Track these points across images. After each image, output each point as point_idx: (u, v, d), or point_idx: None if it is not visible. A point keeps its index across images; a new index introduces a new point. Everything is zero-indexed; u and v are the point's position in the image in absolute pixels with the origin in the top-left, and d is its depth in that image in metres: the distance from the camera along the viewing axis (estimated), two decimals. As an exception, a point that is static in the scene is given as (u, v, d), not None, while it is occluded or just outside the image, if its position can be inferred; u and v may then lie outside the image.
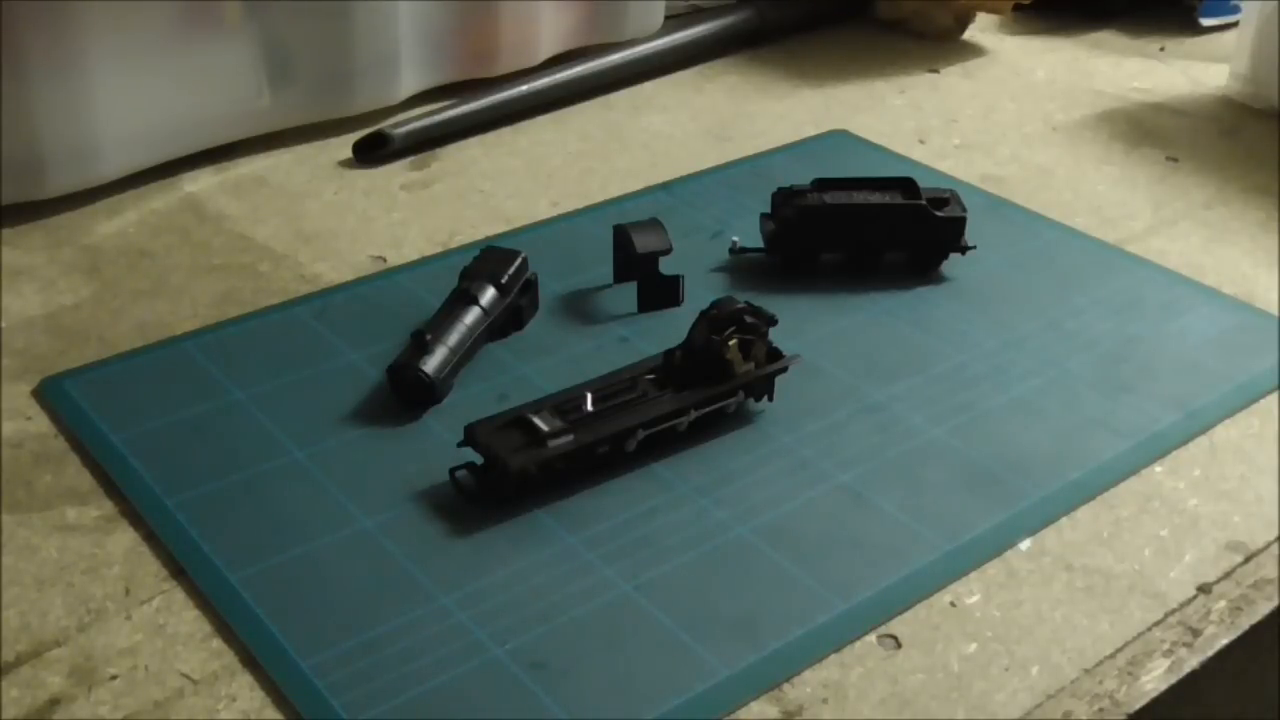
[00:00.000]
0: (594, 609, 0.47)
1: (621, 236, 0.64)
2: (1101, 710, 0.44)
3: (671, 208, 0.73)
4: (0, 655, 0.45)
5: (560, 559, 0.49)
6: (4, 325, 0.62)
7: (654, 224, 0.64)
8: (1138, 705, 0.44)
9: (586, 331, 0.62)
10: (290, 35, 0.76)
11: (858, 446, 0.55)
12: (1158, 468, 0.55)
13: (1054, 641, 0.47)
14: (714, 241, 0.70)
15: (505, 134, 0.82)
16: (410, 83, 0.82)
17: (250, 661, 0.45)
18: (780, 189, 0.67)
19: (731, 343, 0.55)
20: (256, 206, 0.73)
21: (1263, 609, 0.48)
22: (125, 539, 0.50)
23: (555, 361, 0.60)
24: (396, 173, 0.77)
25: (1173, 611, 0.48)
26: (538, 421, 0.52)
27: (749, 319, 0.55)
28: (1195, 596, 0.49)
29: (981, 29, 0.99)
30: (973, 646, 0.46)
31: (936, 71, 0.93)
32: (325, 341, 0.61)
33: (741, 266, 0.68)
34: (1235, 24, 0.92)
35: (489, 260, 0.61)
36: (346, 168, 0.78)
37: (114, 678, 0.44)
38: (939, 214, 0.66)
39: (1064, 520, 0.52)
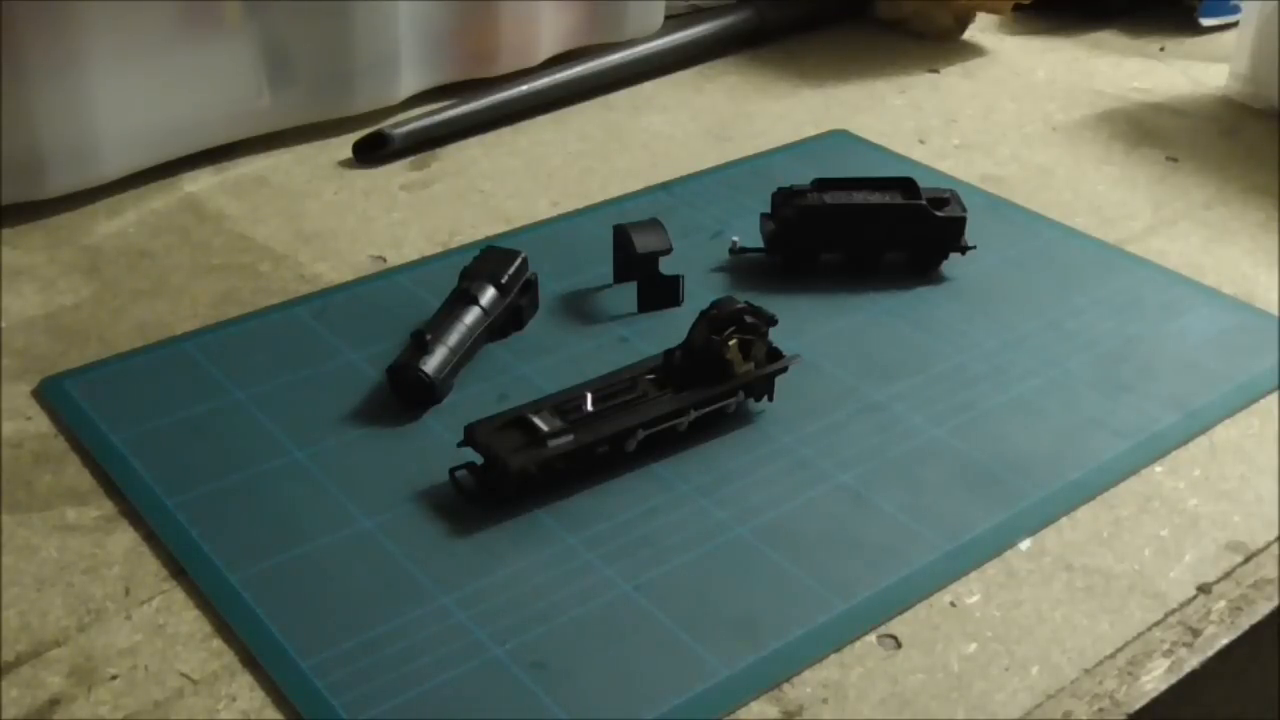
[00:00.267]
0: (594, 609, 0.47)
1: (621, 236, 0.64)
2: (1101, 710, 0.44)
3: (671, 208, 0.73)
4: (0, 655, 0.45)
5: (560, 559, 0.49)
6: (4, 325, 0.62)
7: (654, 224, 0.64)
8: (1138, 705, 0.44)
9: (586, 331, 0.62)
10: (290, 35, 0.76)
11: (858, 446, 0.55)
12: (1158, 468, 0.55)
13: (1054, 641, 0.47)
14: (714, 241, 0.70)
15: (505, 134, 0.82)
16: (410, 83, 0.82)
17: (250, 661, 0.45)
18: (780, 189, 0.67)
19: (731, 343, 0.55)
20: (256, 206, 0.73)
21: (1263, 609, 0.48)
22: (125, 539, 0.50)
23: (555, 361, 0.60)
24: (396, 173, 0.77)
25: (1173, 611, 0.48)
26: (538, 421, 0.52)
27: (749, 319, 0.55)
28: (1195, 596, 0.49)
29: (981, 29, 0.99)
30: (973, 646, 0.46)
31: (936, 71, 0.93)
32: (325, 341, 0.61)
33: (741, 266, 0.68)
34: (1235, 24, 0.92)
35: (489, 260, 0.61)
36: (346, 168, 0.78)
37: (114, 678, 0.44)
38: (939, 214, 0.66)
39: (1064, 520, 0.52)
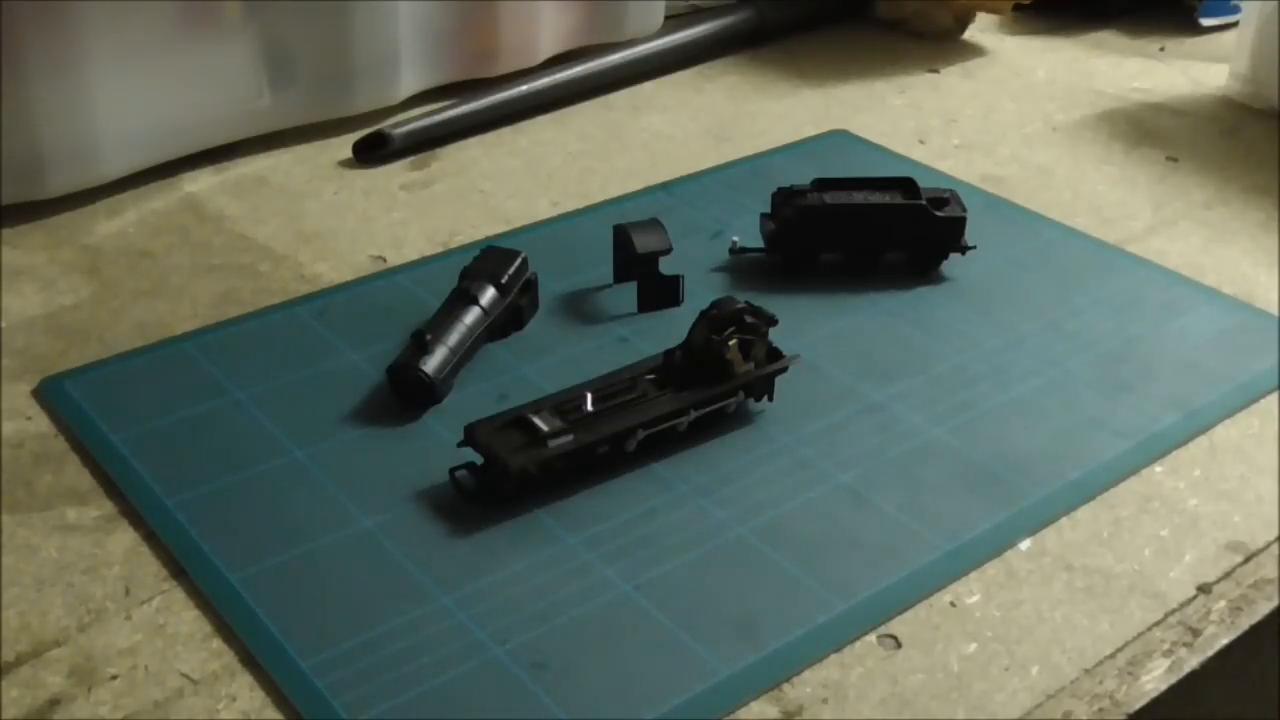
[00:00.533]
0: (594, 609, 0.47)
1: (621, 236, 0.64)
2: (1101, 710, 0.44)
3: (671, 208, 0.73)
4: (0, 655, 0.45)
5: (560, 559, 0.49)
6: (4, 325, 0.62)
7: (654, 224, 0.64)
8: (1138, 705, 0.44)
9: (586, 331, 0.62)
10: (290, 35, 0.76)
11: (858, 446, 0.55)
12: (1158, 468, 0.55)
13: (1054, 641, 0.47)
14: (714, 241, 0.70)
15: (505, 134, 0.82)
16: (410, 83, 0.82)
17: (250, 661, 0.45)
18: (780, 189, 0.67)
19: (731, 343, 0.55)
20: (256, 206, 0.73)
21: (1263, 609, 0.48)
22: (125, 539, 0.50)
23: (555, 361, 0.60)
24: (396, 173, 0.77)
25: (1173, 611, 0.48)
26: (538, 421, 0.52)
27: (749, 319, 0.55)
28: (1195, 596, 0.49)
29: (981, 29, 0.99)
30: (973, 646, 0.46)
31: (936, 71, 0.93)
32: (325, 341, 0.61)
33: (741, 266, 0.68)
34: (1235, 24, 0.92)
35: (489, 260, 0.61)
36: (346, 168, 0.78)
37: (114, 678, 0.44)
38: (939, 214, 0.66)
39: (1064, 520, 0.52)
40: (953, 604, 0.48)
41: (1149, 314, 0.65)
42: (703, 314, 0.56)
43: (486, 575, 0.48)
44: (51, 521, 0.51)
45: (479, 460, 0.52)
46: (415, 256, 0.68)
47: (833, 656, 0.46)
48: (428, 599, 0.47)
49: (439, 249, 0.69)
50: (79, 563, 0.49)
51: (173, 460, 0.53)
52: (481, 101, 0.82)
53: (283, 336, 0.61)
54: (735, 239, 0.68)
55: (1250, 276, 0.68)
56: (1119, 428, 0.57)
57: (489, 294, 0.60)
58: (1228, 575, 0.50)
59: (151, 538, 0.50)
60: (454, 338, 0.58)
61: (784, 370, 0.57)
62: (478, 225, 0.72)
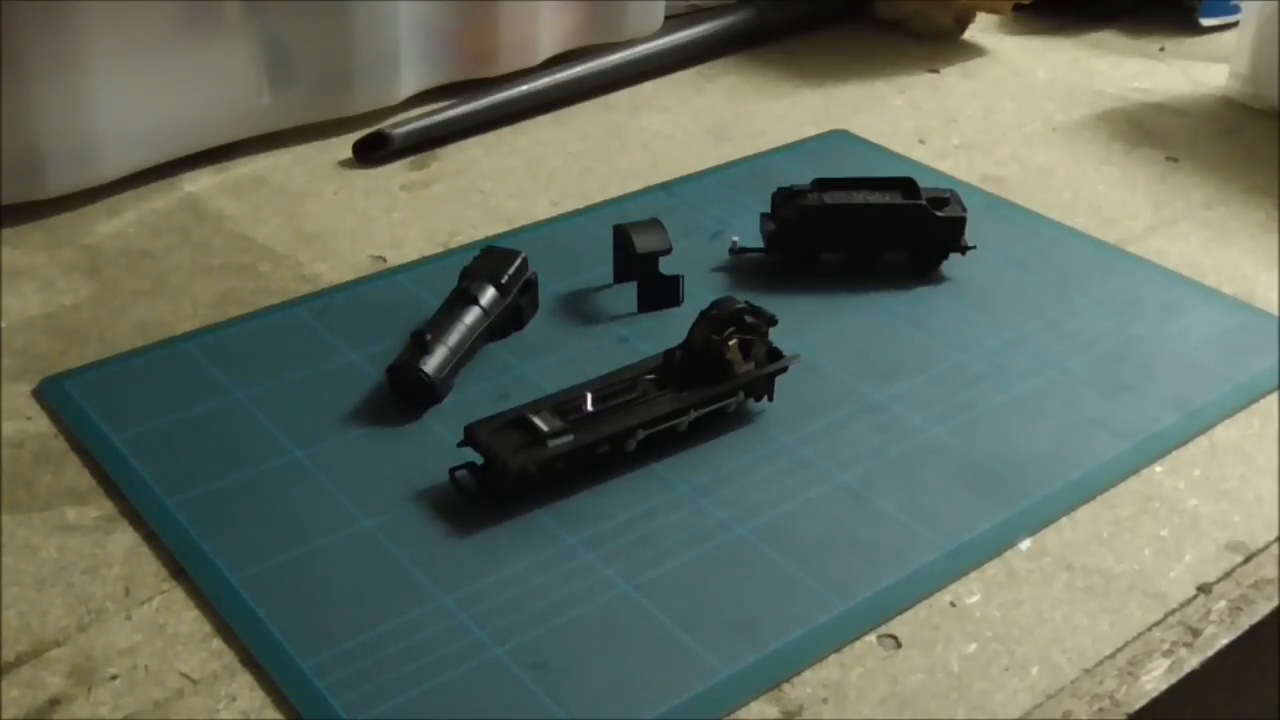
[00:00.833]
0: (594, 609, 0.47)
1: (621, 236, 0.64)
2: (1101, 710, 0.44)
3: (671, 208, 0.73)
4: (0, 655, 0.45)
5: (560, 559, 0.49)
6: (4, 325, 0.62)
7: (654, 224, 0.64)
8: (1138, 705, 0.44)
9: (586, 331, 0.62)
10: (290, 35, 0.76)
11: (858, 446, 0.55)
12: (1158, 468, 0.55)
13: (1054, 641, 0.47)
14: (714, 241, 0.70)
15: (505, 134, 0.82)
16: (410, 83, 0.82)
17: (250, 661, 0.45)
18: (780, 189, 0.67)
19: (731, 343, 0.55)
20: (256, 206, 0.73)
21: (1263, 609, 0.48)
22: (125, 539, 0.50)
23: (555, 361, 0.60)
24: (396, 173, 0.77)
25: (1173, 611, 0.48)
26: (538, 421, 0.52)
27: (749, 319, 0.55)
28: (1195, 596, 0.49)
29: (981, 29, 0.99)
30: (973, 646, 0.46)
31: (936, 71, 0.93)
32: (325, 341, 0.61)
33: (741, 266, 0.68)
34: (1235, 24, 0.92)
35: (489, 260, 0.61)
36: (346, 168, 0.78)
37: (114, 678, 0.44)
38: (939, 214, 0.66)
39: (1064, 520, 0.52)
40: (953, 604, 0.48)
41: (1149, 314, 0.65)
42: (703, 314, 0.56)
43: (486, 575, 0.48)
44: (51, 521, 0.51)
45: (479, 460, 0.52)
46: (415, 256, 0.68)
47: (833, 656, 0.46)
48: (428, 599, 0.47)
49: (439, 249, 0.69)
50: (79, 563, 0.49)
51: (173, 460, 0.53)
52: (481, 101, 0.82)
53: (283, 336, 0.61)
54: (735, 239, 0.68)
55: (1250, 276, 0.68)
56: (1119, 428, 0.57)
57: (489, 294, 0.60)
58: (1228, 575, 0.50)
59: (151, 538, 0.50)
60: (454, 338, 0.58)
61: (784, 370, 0.57)
62: (478, 225, 0.72)
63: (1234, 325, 0.64)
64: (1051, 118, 0.87)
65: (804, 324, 0.63)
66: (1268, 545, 0.51)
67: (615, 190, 0.76)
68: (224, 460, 0.53)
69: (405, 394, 0.57)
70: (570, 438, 0.52)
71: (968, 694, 0.44)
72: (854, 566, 0.49)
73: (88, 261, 0.68)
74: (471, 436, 0.52)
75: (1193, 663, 0.46)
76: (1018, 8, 0.99)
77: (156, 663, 0.45)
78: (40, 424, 0.56)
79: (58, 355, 0.60)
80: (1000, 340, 0.62)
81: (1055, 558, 0.50)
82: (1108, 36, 1.01)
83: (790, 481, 0.53)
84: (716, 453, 0.55)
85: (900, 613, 0.48)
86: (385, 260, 0.68)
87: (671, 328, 0.61)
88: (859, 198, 0.67)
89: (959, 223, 0.67)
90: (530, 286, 0.62)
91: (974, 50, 0.97)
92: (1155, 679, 0.45)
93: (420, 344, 0.57)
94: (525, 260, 0.62)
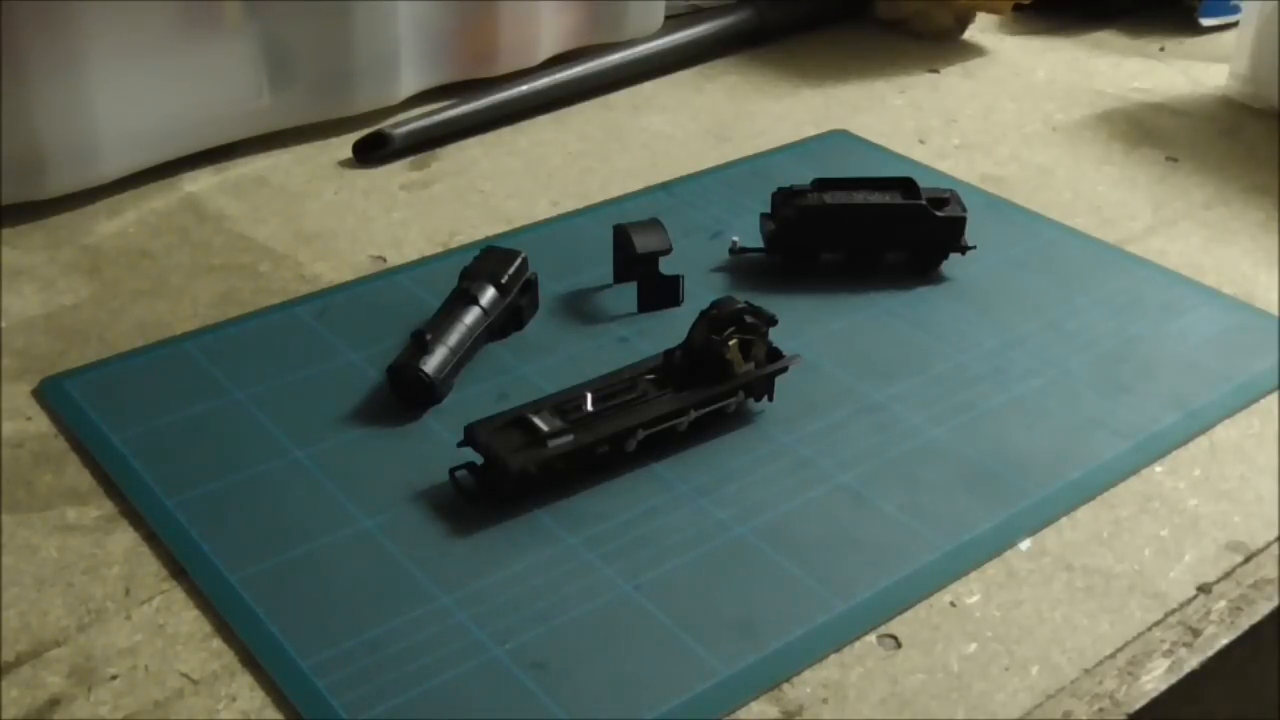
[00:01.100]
0: (594, 609, 0.47)
1: (621, 236, 0.64)
2: (1101, 710, 0.44)
3: (671, 208, 0.73)
4: (0, 655, 0.45)
5: (560, 559, 0.49)
6: (4, 325, 0.62)
7: (654, 224, 0.64)
8: (1138, 705, 0.44)
9: (586, 331, 0.62)
10: (290, 35, 0.76)
11: (858, 446, 0.55)
12: (1158, 468, 0.55)
13: (1054, 641, 0.47)
14: (714, 241, 0.70)
15: (505, 134, 0.82)
16: (410, 83, 0.82)
17: (250, 661, 0.45)
18: (780, 189, 0.67)
19: (731, 343, 0.55)
20: (256, 206, 0.73)
21: (1263, 609, 0.48)
22: (125, 539, 0.50)
23: (555, 361, 0.60)
24: (396, 173, 0.77)
25: (1173, 611, 0.48)
26: (538, 421, 0.52)
27: (749, 319, 0.55)
28: (1195, 596, 0.49)
29: (981, 29, 0.99)
30: (973, 646, 0.46)
31: (936, 71, 0.93)
32: (325, 341, 0.61)
33: (741, 266, 0.68)
34: (1235, 24, 0.92)
35: (489, 260, 0.61)
36: (346, 168, 0.78)
37: (114, 678, 0.44)
38: (939, 214, 0.66)
39: (1064, 520, 0.52)
40: (953, 604, 0.48)
41: (1149, 314, 0.65)
42: (703, 314, 0.56)
43: (486, 575, 0.48)
44: (51, 521, 0.51)
45: (479, 460, 0.52)
46: (415, 256, 0.68)
47: (833, 656, 0.46)
48: (428, 599, 0.47)
49: (439, 249, 0.69)
50: (79, 563, 0.49)
51: (173, 460, 0.53)
52: (481, 101, 0.82)
53: (283, 336, 0.61)
54: (735, 239, 0.68)
55: (1250, 276, 0.68)
56: (1119, 428, 0.57)
57: (489, 294, 0.60)
58: (1228, 575, 0.50)
59: (151, 538, 0.50)
60: (454, 338, 0.58)
61: (784, 370, 0.57)
62: (478, 225, 0.72)
63: (1234, 325, 0.64)
64: (1051, 118, 0.87)
65: (804, 324, 0.63)
66: (1268, 545, 0.51)
67: (615, 190, 0.76)
68: (224, 460, 0.53)
69: (405, 394, 0.57)
70: (570, 438, 0.52)
71: (968, 694, 0.44)
72: (854, 566, 0.49)
73: (88, 261, 0.68)
74: (471, 436, 0.52)
75: (1193, 663, 0.46)
76: (1018, 8, 0.99)
77: (156, 663, 0.45)
78: (40, 424, 0.56)
79: (58, 355, 0.60)
80: (1000, 340, 0.62)
81: (1055, 558, 0.50)
82: (1108, 36, 1.01)
83: (790, 481, 0.53)
84: (716, 453, 0.55)
85: (900, 613, 0.48)
86: (385, 260, 0.68)
87: (671, 328, 0.61)
88: (859, 198, 0.67)
89: (959, 223, 0.67)
90: (530, 286, 0.62)
91: (974, 50, 0.97)
92: (1155, 679, 0.45)
93: (420, 344, 0.57)
94: (525, 260, 0.62)
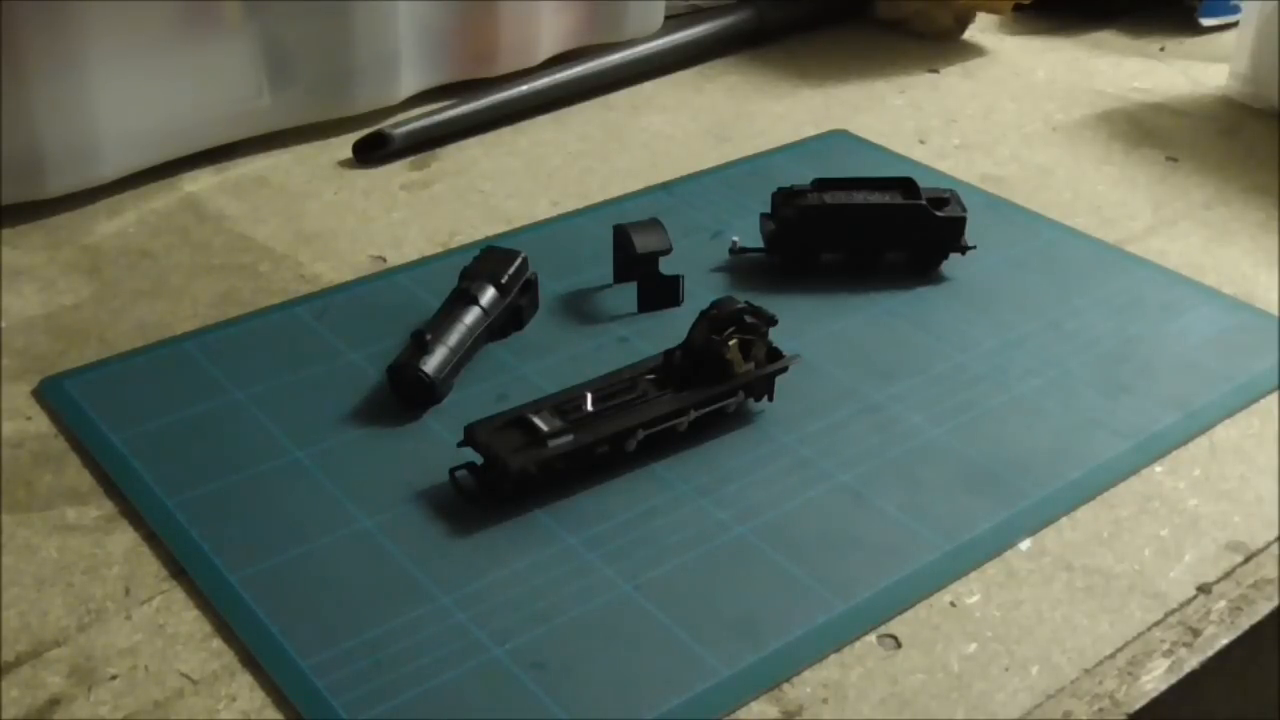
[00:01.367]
0: (594, 609, 0.47)
1: (621, 236, 0.64)
2: (1101, 710, 0.44)
3: (671, 208, 0.73)
4: (0, 655, 0.45)
5: (560, 559, 0.49)
6: (4, 325, 0.62)
7: (654, 224, 0.64)
8: (1138, 705, 0.44)
9: (586, 331, 0.62)
10: (290, 35, 0.76)
11: (858, 446, 0.55)
12: (1158, 468, 0.55)
13: (1054, 641, 0.47)
14: (714, 241, 0.70)
15: (505, 134, 0.82)
16: (410, 83, 0.82)
17: (250, 661, 0.45)
18: (780, 189, 0.67)
19: (731, 343, 0.55)
20: (256, 206, 0.73)
21: (1263, 609, 0.48)
22: (125, 539, 0.50)
23: (555, 361, 0.60)
24: (396, 173, 0.77)
25: (1173, 611, 0.48)
26: (538, 421, 0.52)
27: (749, 319, 0.55)
28: (1195, 596, 0.49)
29: (981, 29, 0.99)
30: (973, 646, 0.46)
31: (936, 71, 0.93)
32: (325, 341, 0.61)
33: (741, 266, 0.68)
34: (1235, 24, 0.92)
35: (489, 260, 0.61)
36: (346, 168, 0.78)
37: (114, 678, 0.44)
38: (939, 214, 0.66)
39: (1064, 520, 0.52)
40: (953, 604, 0.48)
41: (1149, 314, 0.65)
42: (703, 314, 0.56)
43: (486, 575, 0.48)
44: (51, 521, 0.51)
45: (479, 460, 0.52)
46: (415, 256, 0.68)
47: (833, 656, 0.46)
48: (428, 599, 0.47)
49: (439, 249, 0.69)
50: (79, 563, 0.49)
51: (173, 460, 0.53)
52: (481, 101, 0.82)
53: (283, 336, 0.61)
54: (735, 239, 0.68)
55: (1250, 276, 0.68)
56: (1119, 428, 0.57)
57: (489, 294, 0.60)
58: (1228, 575, 0.50)
59: (151, 538, 0.50)
60: (454, 338, 0.58)
61: (784, 370, 0.57)
62: (478, 225, 0.72)
63: (1234, 325, 0.64)
64: (1051, 118, 0.87)
65: (804, 324, 0.63)
66: (1268, 545, 0.51)
67: (615, 190, 0.76)
68: (224, 460, 0.53)
69: (405, 394, 0.57)
70: (570, 438, 0.52)
71: (968, 694, 0.44)
72: (854, 566, 0.49)
73: (88, 261, 0.68)
74: (471, 436, 0.52)
75: (1193, 663, 0.46)
76: (1018, 8, 0.99)
77: (156, 663, 0.45)
78: (40, 424, 0.56)
79: (58, 355, 0.60)
80: (1000, 340, 0.62)
81: (1055, 558, 0.50)
82: (1108, 36, 1.01)
83: (790, 481, 0.53)
84: (716, 453, 0.55)
85: (900, 613, 0.48)
86: (385, 260, 0.68)
87: (671, 328, 0.61)
88: (859, 198, 0.67)
89: (959, 223, 0.67)
90: (530, 286, 0.62)
91: (974, 50, 0.97)
92: (1155, 679, 0.45)
93: (420, 344, 0.57)
94: (525, 260, 0.62)
